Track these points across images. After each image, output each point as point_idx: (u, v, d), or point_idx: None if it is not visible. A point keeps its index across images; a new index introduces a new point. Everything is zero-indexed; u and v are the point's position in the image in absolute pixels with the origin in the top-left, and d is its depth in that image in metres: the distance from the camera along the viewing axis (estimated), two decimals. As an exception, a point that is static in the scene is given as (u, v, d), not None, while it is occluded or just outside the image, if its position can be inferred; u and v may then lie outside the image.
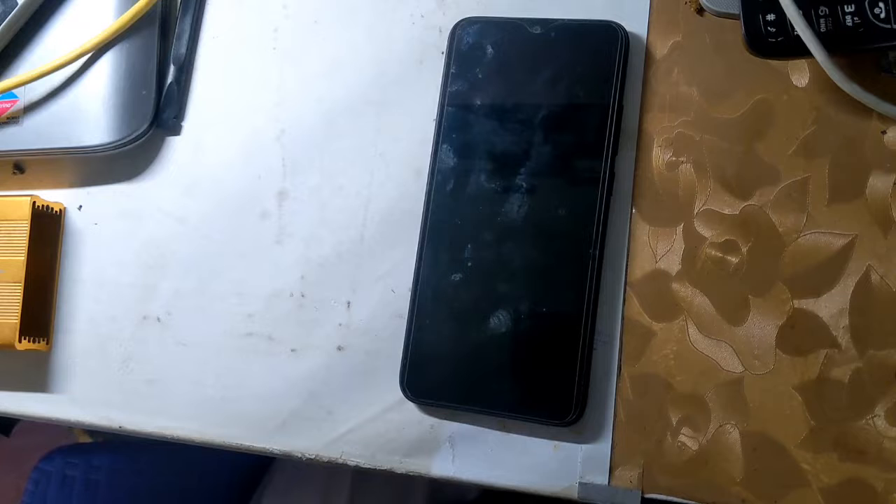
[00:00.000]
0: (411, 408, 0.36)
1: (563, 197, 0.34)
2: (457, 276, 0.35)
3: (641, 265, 0.35)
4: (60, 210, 0.41)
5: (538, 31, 0.36)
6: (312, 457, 0.37)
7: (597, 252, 0.34)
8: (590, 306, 0.34)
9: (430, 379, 0.35)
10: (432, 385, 0.35)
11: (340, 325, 0.38)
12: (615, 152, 0.34)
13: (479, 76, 0.36)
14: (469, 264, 0.35)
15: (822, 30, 0.30)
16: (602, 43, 0.35)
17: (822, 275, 0.33)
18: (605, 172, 0.34)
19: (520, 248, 0.35)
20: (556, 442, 0.34)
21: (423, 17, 0.39)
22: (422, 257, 0.36)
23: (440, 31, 0.38)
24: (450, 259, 0.35)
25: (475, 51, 0.37)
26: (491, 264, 0.35)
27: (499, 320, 0.34)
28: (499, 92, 0.36)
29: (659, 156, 0.35)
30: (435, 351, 0.35)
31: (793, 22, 0.30)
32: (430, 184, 0.36)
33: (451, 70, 0.37)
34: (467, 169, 0.36)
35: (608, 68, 0.35)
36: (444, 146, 0.36)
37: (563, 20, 0.36)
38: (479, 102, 0.36)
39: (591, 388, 0.34)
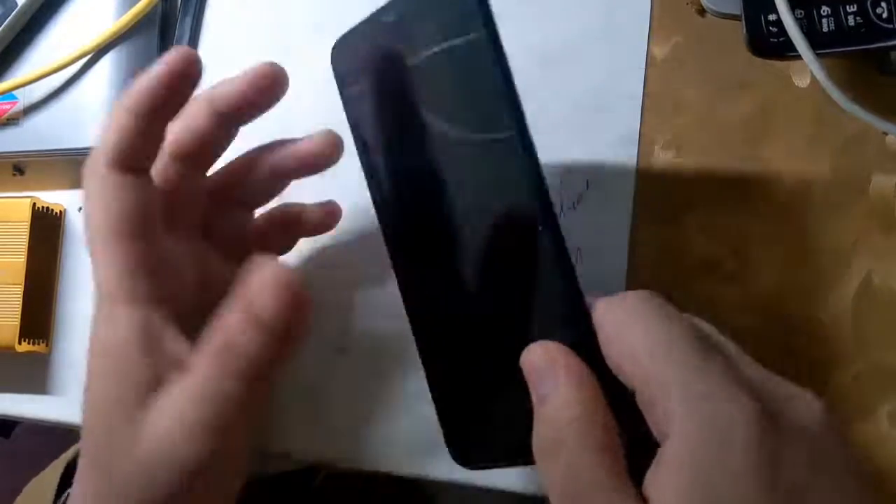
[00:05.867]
0: (412, 410, 0.36)
1: (497, 196, 0.27)
2: (455, 329, 0.30)
3: (642, 269, 0.34)
4: (60, 211, 0.41)
5: (392, 19, 0.30)
6: (312, 459, 0.37)
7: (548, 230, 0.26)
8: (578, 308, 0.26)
9: (480, 440, 0.29)
10: (486, 446, 0.29)
11: (341, 327, 0.37)
12: (520, 116, 0.26)
13: (367, 96, 0.32)
14: (461, 310, 0.29)
15: (824, 30, 0.30)
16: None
17: (824, 276, 0.33)
18: (519, 143, 0.26)
19: (486, 271, 0.28)
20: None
21: (423, 18, 0.39)
22: (413, 323, 0.31)
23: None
24: (436, 315, 0.30)
25: (351, 69, 0.32)
26: (477, 297, 0.29)
27: (504, 362, 0.27)
28: (388, 105, 0.31)
29: (660, 158, 0.35)
30: (470, 409, 0.29)
31: (795, 43, 0.29)
32: (390, 249, 0.32)
33: (344, 97, 0.33)
34: (405, 209, 0.31)
35: (471, 18, 0.27)
36: (374, 192, 0.32)
37: None
38: (377, 124, 0.32)
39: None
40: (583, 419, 0.23)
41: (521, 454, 0.26)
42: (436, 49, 0.29)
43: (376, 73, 0.31)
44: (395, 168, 0.31)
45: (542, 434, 0.24)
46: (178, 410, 0.25)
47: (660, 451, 0.21)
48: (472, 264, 0.29)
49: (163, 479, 0.25)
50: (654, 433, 0.22)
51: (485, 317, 0.29)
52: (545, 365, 0.24)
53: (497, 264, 0.28)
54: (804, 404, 0.22)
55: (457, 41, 0.28)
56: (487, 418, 0.29)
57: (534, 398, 0.24)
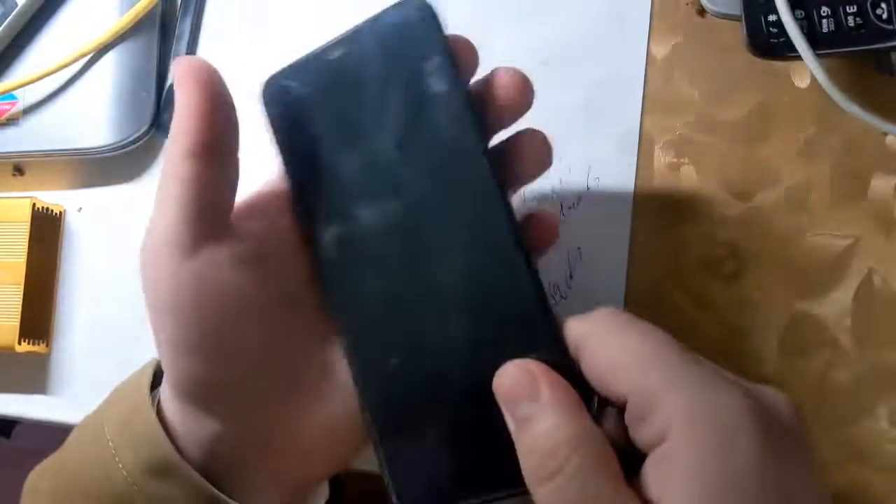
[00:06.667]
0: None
1: (463, 219, 0.26)
2: (396, 361, 0.27)
3: (642, 269, 0.34)
4: (60, 212, 0.41)
5: (339, 55, 0.29)
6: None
7: (523, 258, 0.25)
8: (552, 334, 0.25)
9: (426, 484, 0.26)
10: (432, 490, 0.26)
11: (341, 327, 0.37)
12: (485, 148, 0.27)
13: (306, 142, 0.30)
14: (405, 345, 0.27)
15: (824, 30, 0.30)
16: (413, 27, 0.28)
17: (824, 277, 0.33)
18: (487, 173, 0.26)
19: (448, 303, 0.26)
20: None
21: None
22: (354, 357, 0.28)
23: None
24: (382, 345, 0.27)
25: (289, 110, 0.31)
26: (427, 332, 0.27)
27: (467, 388, 0.25)
28: (337, 143, 0.29)
29: (660, 158, 0.35)
30: (416, 452, 0.26)
31: (795, 43, 0.30)
32: (325, 284, 0.29)
33: (276, 139, 0.31)
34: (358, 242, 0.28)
35: (432, 53, 0.27)
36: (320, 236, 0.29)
37: (356, 27, 0.30)
38: (321, 168, 0.29)
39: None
40: (580, 437, 0.22)
41: (471, 491, 0.25)
42: (394, 84, 0.28)
43: (323, 112, 0.30)
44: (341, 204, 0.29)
45: (533, 459, 0.22)
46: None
47: (660, 453, 0.21)
48: (428, 290, 0.27)
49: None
50: (642, 440, 0.22)
51: (438, 350, 0.26)
52: (524, 384, 0.23)
53: (455, 285, 0.26)
54: (778, 401, 0.23)
55: (415, 75, 0.27)
56: (435, 463, 0.26)
57: (511, 423, 0.23)
